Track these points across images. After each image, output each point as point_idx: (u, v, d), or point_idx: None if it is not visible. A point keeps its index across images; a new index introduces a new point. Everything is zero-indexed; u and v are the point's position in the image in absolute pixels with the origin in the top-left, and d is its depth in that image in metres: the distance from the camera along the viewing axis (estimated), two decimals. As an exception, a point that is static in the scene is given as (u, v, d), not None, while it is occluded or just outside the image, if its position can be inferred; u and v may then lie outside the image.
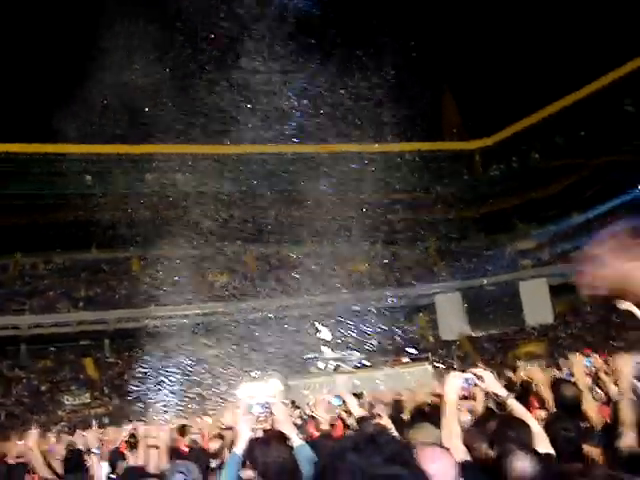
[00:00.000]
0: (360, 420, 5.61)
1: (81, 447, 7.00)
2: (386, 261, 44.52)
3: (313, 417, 8.18)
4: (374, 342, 36.54)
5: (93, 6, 35.57)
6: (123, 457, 6.67)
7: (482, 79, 42.68)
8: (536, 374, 6.40)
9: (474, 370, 3.64)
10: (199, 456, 5.92)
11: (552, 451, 3.24)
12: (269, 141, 39.15)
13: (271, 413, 3.80)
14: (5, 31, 37.46)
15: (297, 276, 38.65)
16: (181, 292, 37.50)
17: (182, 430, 8.49)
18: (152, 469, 4.80)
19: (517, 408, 3.52)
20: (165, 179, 42.25)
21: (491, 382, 3.59)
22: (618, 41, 37.44)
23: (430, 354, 33.06)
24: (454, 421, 3.34)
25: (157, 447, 5.03)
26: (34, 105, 37.32)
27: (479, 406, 4.98)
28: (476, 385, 3.56)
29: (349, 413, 6.92)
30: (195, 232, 37.81)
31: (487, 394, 4.10)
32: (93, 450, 5.73)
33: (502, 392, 3.63)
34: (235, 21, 33.80)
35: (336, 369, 27.81)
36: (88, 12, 36.88)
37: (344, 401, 7.04)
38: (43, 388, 35.21)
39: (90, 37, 35.37)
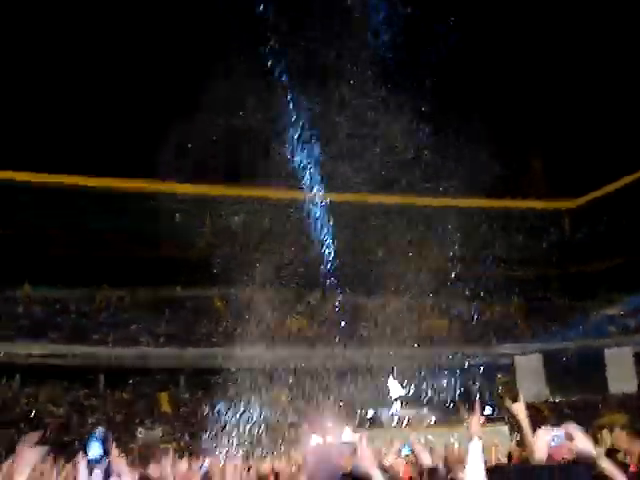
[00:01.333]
0: (430, 471, 5.50)
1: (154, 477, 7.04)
2: (467, 318, 43.90)
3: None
4: (450, 400, 35.93)
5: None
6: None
7: (575, 140, 42.12)
8: (624, 440, 6.11)
9: (565, 426, 3.51)
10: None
11: None
12: (357, 189, 39.41)
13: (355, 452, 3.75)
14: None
15: (375, 327, 38.40)
16: (259, 335, 37.73)
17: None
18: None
19: (609, 469, 3.38)
20: (252, 222, 42.82)
21: (582, 440, 3.46)
22: None
23: (507, 416, 32.26)
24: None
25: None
26: (137, 140, 38.48)
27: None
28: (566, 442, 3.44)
29: (416, 464, 6.77)
30: (277, 276, 38.07)
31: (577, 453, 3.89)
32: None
33: (593, 451, 3.47)
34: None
35: (409, 425, 27.35)
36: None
37: (412, 451, 6.91)
38: (118, 419, 35.71)
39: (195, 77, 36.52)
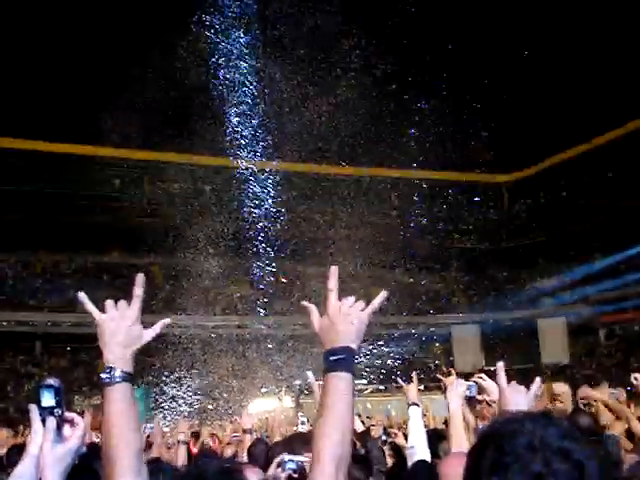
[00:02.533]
0: (361, 434, 5.60)
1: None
2: (406, 288, 44.42)
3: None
4: (387, 369, 36.42)
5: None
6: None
7: (516, 114, 42.57)
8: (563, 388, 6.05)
9: (479, 379, 3.56)
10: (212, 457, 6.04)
11: None
12: (302, 159, 39.43)
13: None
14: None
15: (315, 296, 38.66)
16: (200, 303, 37.67)
17: (195, 434, 8.54)
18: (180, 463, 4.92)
19: None
20: (193, 189, 42.50)
21: (495, 392, 3.51)
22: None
23: (443, 384, 32.85)
24: (460, 427, 3.35)
25: (186, 442, 5.13)
26: (77, 103, 37.63)
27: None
28: (479, 394, 3.52)
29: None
30: (217, 243, 37.96)
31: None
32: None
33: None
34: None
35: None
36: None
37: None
38: (55, 387, 35.32)
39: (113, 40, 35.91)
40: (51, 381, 2.22)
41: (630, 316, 40.13)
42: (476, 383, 3.50)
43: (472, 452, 1.40)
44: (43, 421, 2.19)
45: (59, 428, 2.14)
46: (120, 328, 2.11)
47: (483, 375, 3.58)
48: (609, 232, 40.27)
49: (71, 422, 2.17)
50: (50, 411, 2.20)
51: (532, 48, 41.21)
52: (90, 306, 2.12)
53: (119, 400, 2.02)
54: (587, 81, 40.40)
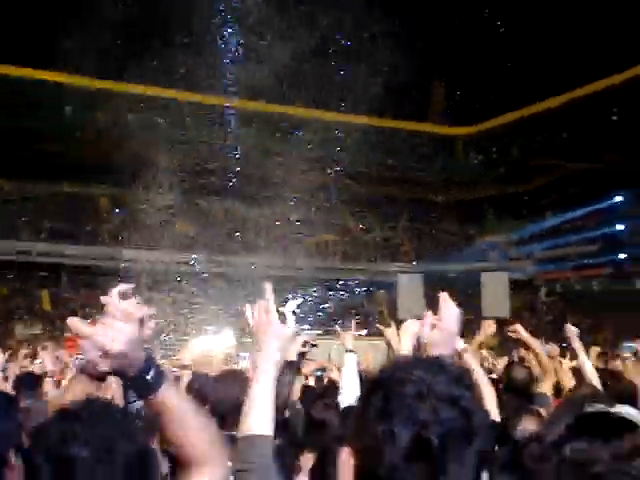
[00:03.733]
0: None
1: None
2: (353, 235, 44.68)
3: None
4: (331, 313, 36.73)
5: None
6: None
7: (474, 69, 42.57)
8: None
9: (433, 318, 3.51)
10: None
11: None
12: (254, 97, 39.05)
13: None
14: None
15: (262, 237, 38.64)
16: (146, 237, 37.35)
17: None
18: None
19: (473, 364, 3.56)
20: (143, 122, 41.71)
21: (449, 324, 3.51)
22: (616, 49, 37.47)
23: (380, 326, 33.20)
24: None
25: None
26: (24, 24, 36.50)
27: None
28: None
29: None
30: (169, 180, 37.58)
31: None
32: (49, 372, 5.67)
33: (459, 345, 3.61)
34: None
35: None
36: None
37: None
38: (-5, 314, 35.00)
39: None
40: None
41: (570, 275, 41.05)
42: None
43: (360, 399, 1.39)
44: None
45: None
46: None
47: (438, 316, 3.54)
48: (559, 192, 40.84)
49: None
50: None
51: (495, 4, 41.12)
52: None
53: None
54: (546, 41, 40.47)
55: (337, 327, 5.65)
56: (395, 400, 1.29)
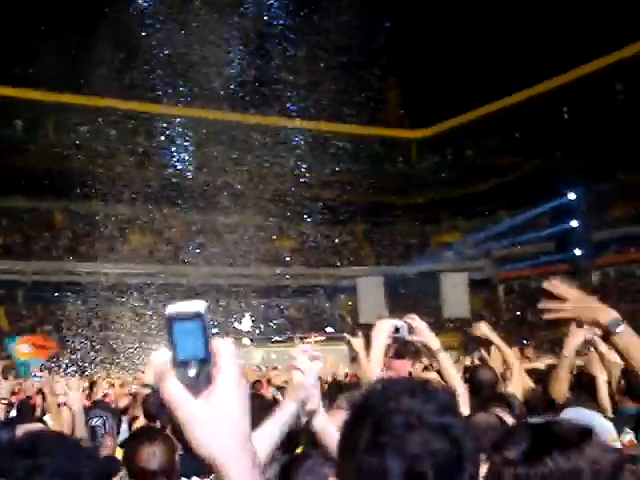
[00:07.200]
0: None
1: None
2: (313, 240, 44.64)
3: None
4: (293, 318, 36.68)
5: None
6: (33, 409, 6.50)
7: (428, 71, 42.93)
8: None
9: (408, 318, 3.48)
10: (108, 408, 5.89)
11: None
12: (207, 106, 38.92)
13: None
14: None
15: (222, 246, 38.41)
16: (101, 250, 36.92)
17: (91, 385, 8.37)
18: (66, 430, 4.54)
19: (447, 364, 3.46)
20: (98, 133, 41.26)
21: (425, 333, 3.46)
22: (566, 47, 37.99)
23: (347, 335, 33.25)
24: (378, 368, 3.27)
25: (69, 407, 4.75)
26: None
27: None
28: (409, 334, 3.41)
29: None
30: (123, 191, 37.25)
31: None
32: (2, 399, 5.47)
33: (435, 344, 3.48)
34: None
35: (252, 341, 27.87)
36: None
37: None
38: (-51, 333, 34.24)
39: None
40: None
41: (527, 273, 41.49)
42: (406, 323, 3.41)
43: (347, 427, 1.31)
44: None
45: None
46: None
47: (414, 315, 3.52)
48: (514, 192, 41.26)
49: None
50: None
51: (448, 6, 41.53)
52: None
53: None
54: (498, 41, 40.94)
55: (295, 339, 5.56)
56: (385, 431, 1.23)
